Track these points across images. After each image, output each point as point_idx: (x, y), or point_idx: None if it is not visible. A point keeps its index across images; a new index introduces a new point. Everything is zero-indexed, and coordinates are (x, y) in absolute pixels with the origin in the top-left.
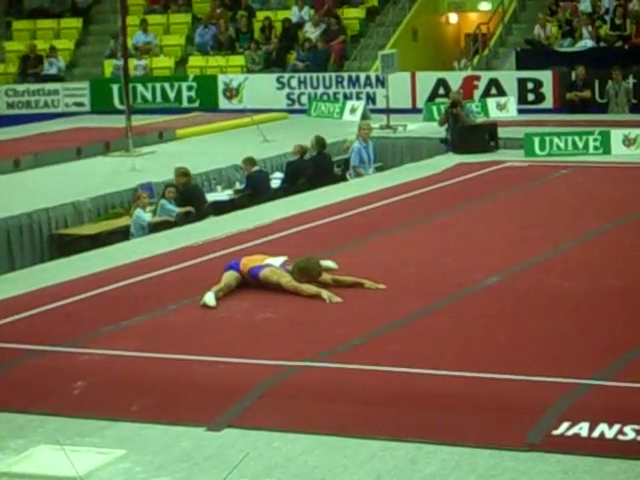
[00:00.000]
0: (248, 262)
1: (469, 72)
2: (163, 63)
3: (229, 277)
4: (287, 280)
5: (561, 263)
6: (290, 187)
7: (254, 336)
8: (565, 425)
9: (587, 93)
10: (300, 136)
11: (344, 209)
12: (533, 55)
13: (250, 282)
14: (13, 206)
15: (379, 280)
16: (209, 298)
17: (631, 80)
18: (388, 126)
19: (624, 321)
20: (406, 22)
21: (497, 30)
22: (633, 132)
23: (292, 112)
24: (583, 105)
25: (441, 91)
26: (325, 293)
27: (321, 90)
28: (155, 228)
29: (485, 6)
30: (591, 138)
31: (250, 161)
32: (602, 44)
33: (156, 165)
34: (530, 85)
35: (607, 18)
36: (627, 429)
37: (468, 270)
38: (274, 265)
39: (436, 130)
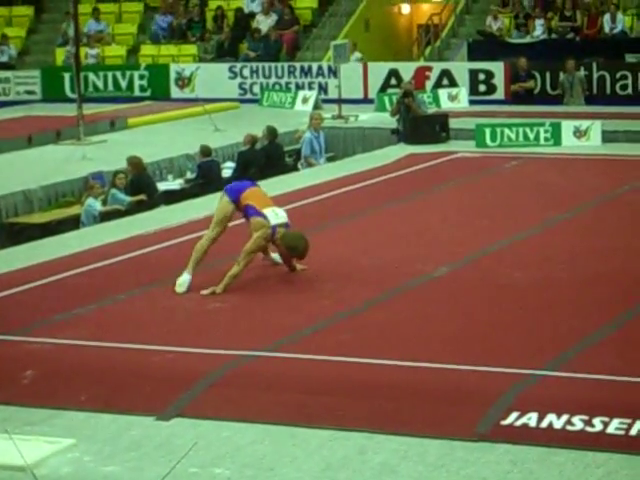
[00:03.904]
0: (249, 198)
1: (421, 63)
2: (115, 52)
3: (223, 219)
4: (250, 243)
5: (511, 254)
6: (241, 177)
7: (204, 325)
8: (514, 415)
9: (531, 84)
10: (252, 126)
11: (295, 199)
12: (485, 46)
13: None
14: None
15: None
16: (181, 285)
17: (582, 72)
18: (340, 116)
19: (573, 312)
20: (359, 12)
21: (449, 21)
22: (584, 124)
23: (244, 102)
24: (528, 96)
25: (393, 82)
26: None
27: (273, 80)
28: (106, 217)
29: None
30: (542, 129)
31: (202, 150)
32: (554, 36)
33: (107, 154)
34: (482, 76)
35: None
36: (575, 419)
37: (419, 260)
38: (267, 220)
39: (387, 120)
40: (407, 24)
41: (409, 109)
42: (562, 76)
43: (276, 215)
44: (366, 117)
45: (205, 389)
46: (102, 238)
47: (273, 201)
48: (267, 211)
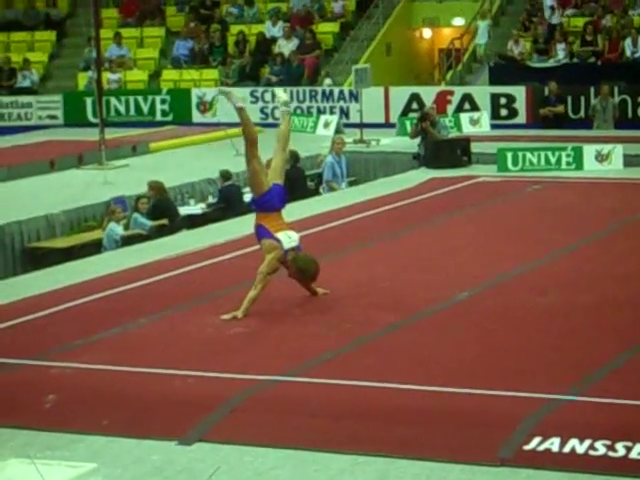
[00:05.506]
0: (265, 220)
1: (442, 87)
2: (137, 76)
3: (261, 169)
4: (264, 265)
5: (533, 278)
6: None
7: (225, 350)
8: (536, 440)
9: (560, 108)
10: (273, 150)
11: (317, 223)
12: (506, 70)
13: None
14: None
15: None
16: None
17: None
18: (361, 140)
19: (595, 337)
20: (380, 37)
21: (470, 45)
22: (605, 148)
23: (265, 126)
24: (557, 120)
25: (414, 106)
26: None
27: (295, 104)
28: (127, 241)
29: (459, 21)
30: (564, 154)
31: (223, 175)
32: (575, 60)
33: (129, 178)
34: (503, 100)
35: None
36: (598, 444)
37: (440, 285)
38: (280, 244)
39: (409, 145)
40: (428, 48)
41: (426, 133)
42: (595, 100)
43: (289, 238)
44: (388, 141)
45: (227, 414)
46: (124, 263)
47: (294, 225)
48: (280, 235)
